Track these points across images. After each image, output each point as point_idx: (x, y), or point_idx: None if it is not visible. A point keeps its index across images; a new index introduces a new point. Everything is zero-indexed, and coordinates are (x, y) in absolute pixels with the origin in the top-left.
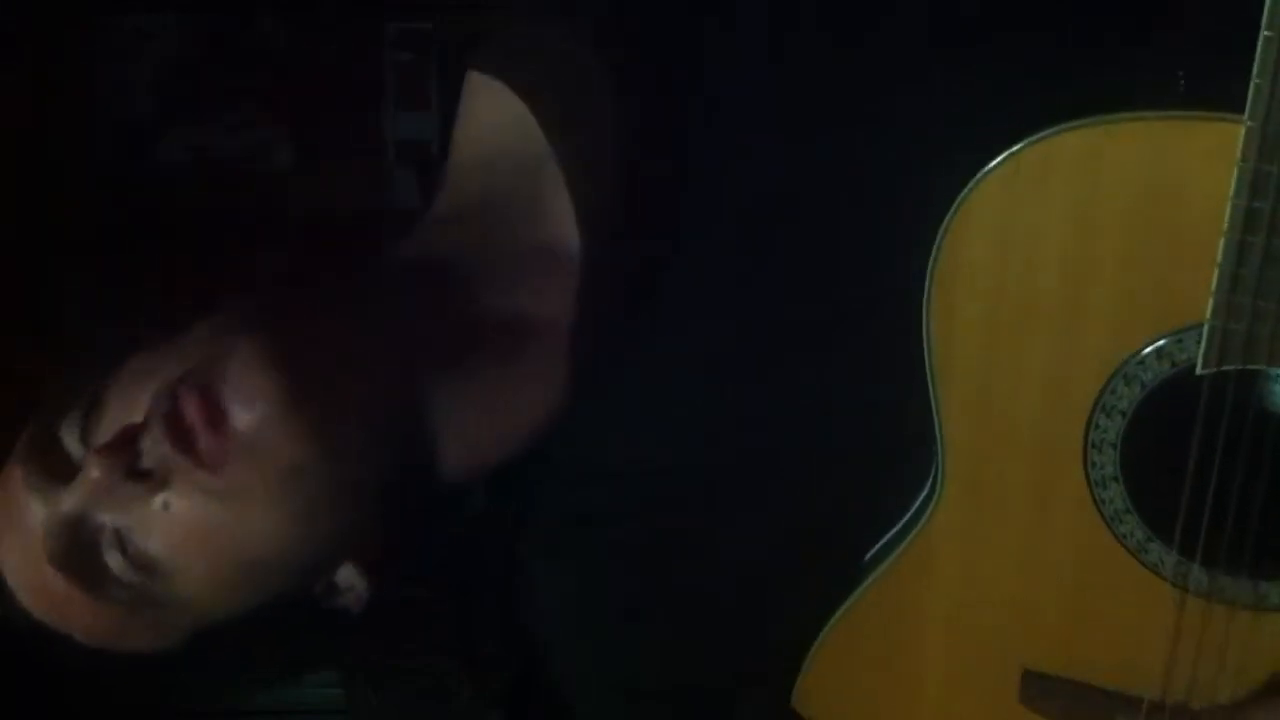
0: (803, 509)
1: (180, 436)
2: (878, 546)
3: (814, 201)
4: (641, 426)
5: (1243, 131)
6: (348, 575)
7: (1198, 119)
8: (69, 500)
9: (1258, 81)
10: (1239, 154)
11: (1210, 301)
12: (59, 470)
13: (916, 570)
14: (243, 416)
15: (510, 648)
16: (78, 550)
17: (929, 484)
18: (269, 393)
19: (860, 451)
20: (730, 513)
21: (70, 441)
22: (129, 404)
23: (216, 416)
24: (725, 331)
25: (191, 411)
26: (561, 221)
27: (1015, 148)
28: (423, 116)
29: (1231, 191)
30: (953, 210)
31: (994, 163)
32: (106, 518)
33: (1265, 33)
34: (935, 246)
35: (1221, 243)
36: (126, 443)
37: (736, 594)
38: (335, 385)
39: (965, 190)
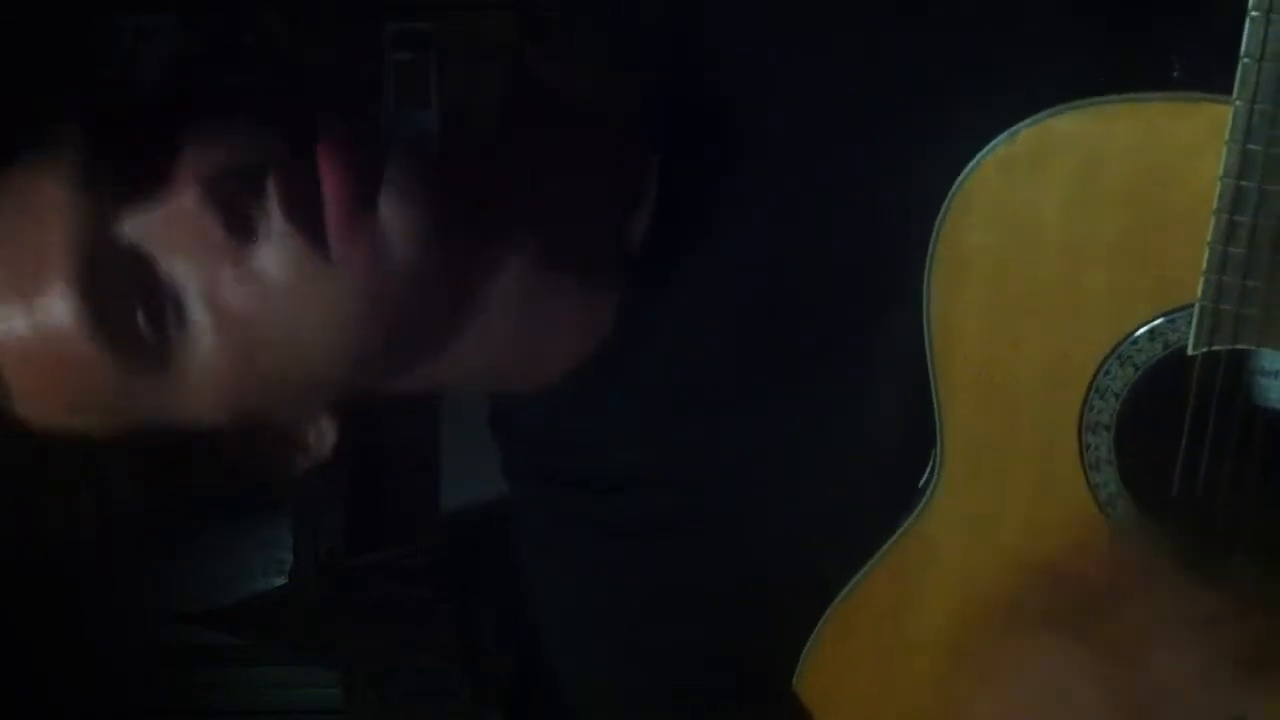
0: (811, 507)
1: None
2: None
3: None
4: (643, 427)
5: (1231, 111)
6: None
7: (1191, 100)
8: (136, 229)
9: (1245, 61)
10: (1227, 134)
11: (1200, 281)
12: (136, 175)
13: (918, 554)
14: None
15: (510, 648)
16: (110, 281)
17: (929, 467)
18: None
19: (868, 449)
20: (734, 511)
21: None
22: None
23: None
24: (734, 327)
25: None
26: None
27: (1012, 130)
28: (423, 116)
29: (1220, 171)
30: (951, 193)
31: (991, 145)
32: (172, 265)
33: (1252, 12)
34: (935, 229)
35: (1211, 223)
36: (236, 178)
37: (742, 592)
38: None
39: (964, 173)
